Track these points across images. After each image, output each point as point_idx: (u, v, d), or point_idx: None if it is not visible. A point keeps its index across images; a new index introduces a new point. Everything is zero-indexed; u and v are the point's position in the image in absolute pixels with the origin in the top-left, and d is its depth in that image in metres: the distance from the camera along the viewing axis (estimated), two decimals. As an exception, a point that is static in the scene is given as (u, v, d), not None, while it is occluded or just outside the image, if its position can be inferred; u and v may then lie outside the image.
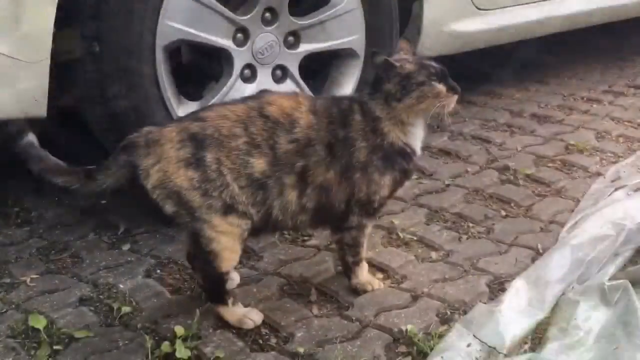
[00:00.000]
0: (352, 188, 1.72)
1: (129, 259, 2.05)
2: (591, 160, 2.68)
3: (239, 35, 2.19)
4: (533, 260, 2.00)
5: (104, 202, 2.37)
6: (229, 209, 1.63)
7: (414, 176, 2.57)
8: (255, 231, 1.73)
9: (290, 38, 2.31)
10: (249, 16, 2.17)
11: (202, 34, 2.09)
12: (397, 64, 1.70)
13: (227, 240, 1.65)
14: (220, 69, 2.23)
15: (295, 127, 1.66)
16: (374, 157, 1.71)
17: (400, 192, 2.40)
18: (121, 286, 1.90)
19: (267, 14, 2.22)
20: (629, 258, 1.97)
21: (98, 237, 2.17)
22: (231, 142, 1.62)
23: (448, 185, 2.50)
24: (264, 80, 2.28)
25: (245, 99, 1.75)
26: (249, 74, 2.26)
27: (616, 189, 2.34)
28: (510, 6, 2.92)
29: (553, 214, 2.28)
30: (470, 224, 2.23)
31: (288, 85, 2.34)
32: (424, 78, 1.68)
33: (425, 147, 2.81)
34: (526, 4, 2.99)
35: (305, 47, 2.34)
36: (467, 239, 2.15)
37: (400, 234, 2.15)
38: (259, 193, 1.65)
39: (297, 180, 1.67)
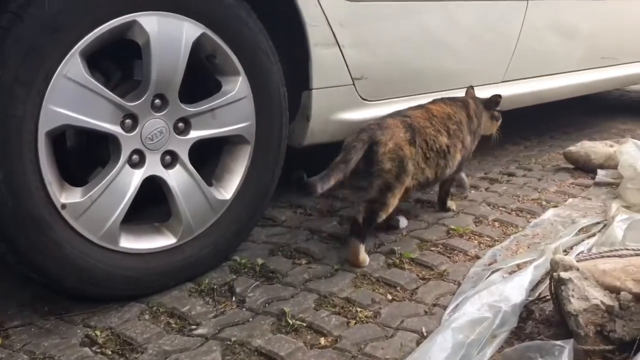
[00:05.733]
0: (468, 150, 2.94)
1: (1, 355, 1.90)
2: (470, 244, 2.83)
3: (128, 120, 2.16)
4: (418, 343, 2.05)
5: None
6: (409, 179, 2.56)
7: (304, 261, 2.61)
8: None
9: (181, 124, 2.31)
10: (138, 102, 2.16)
11: (89, 119, 2.05)
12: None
13: (396, 200, 2.54)
14: (107, 154, 2.19)
15: (452, 117, 2.77)
16: (475, 133, 2.99)
17: (290, 278, 2.44)
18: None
19: (157, 101, 2.21)
20: (505, 339, 2.05)
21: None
22: (425, 130, 2.62)
23: (337, 270, 2.54)
24: (152, 165, 2.25)
25: (415, 108, 2.80)
26: (137, 159, 2.22)
27: (492, 272, 2.47)
28: (394, 98, 3.10)
29: (436, 297, 2.36)
30: (358, 309, 2.26)
31: (178, 171, 2.32)
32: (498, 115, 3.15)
33: (316, 231, 2.87)
34: (410, 96, 3.17)
35: (195, 134, 2.35)
36: (355, 323, 2.17)
37: (290, 321, 2.14)
38: (441, 159, 2.70)
39: (460, 147, 2.80)
